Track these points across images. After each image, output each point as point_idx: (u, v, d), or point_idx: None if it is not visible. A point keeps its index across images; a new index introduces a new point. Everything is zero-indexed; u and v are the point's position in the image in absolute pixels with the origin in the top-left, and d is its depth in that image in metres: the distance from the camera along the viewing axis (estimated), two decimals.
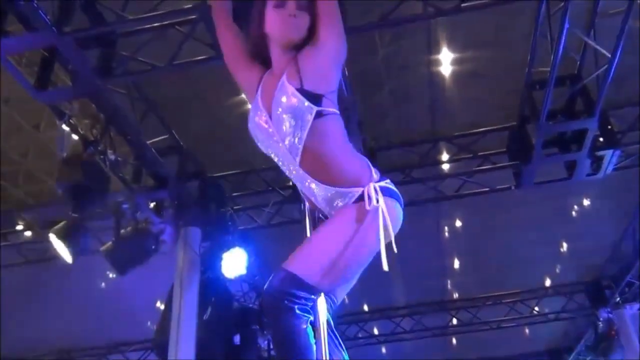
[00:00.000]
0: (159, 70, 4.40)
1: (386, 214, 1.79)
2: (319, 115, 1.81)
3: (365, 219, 1.78)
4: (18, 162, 6.02)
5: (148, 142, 5.28)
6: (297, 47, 1.93)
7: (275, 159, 1.94)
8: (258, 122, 1.90)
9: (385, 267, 1.76)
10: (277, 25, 1.94)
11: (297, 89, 1.82)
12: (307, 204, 2.00)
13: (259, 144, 1.96)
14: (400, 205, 1.90)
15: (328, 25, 1.94)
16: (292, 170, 1.89)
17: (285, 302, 1.65)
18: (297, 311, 1.65)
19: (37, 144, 5.82)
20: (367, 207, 1.78)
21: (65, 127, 4.73)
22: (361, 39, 4.73)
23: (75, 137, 4.82)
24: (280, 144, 1.85)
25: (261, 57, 2.02)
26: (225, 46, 2.11)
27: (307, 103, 1.80)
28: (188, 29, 4.27)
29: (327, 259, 1.73)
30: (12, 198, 6.38)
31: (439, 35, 5.05)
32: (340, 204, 1.85)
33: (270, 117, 1.87)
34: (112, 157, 4.99)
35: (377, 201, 1.79)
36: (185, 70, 4.52)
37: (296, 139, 1.82)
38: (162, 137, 5.52)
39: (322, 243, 1.78)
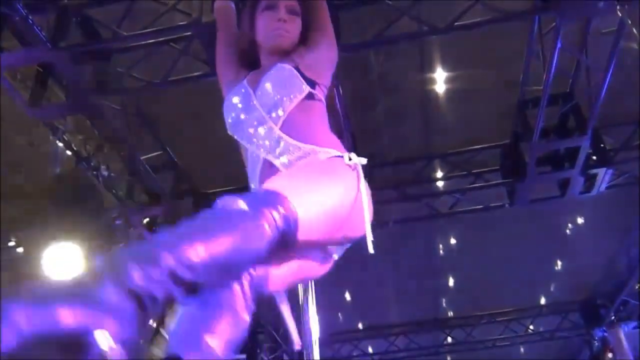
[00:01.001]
0: (153, 86, 4.40)
1: (363, 181, 1.58)
2: (309, 96, 1.77)
3: (343, 172, 1.55)
4: (11, 178, 5.98)
5: (142, 158, 5.27)
6: (288, 51, 1.91)
7: (244, 142, 1.78)
8: (236, 99, 1.82)
9: (370, 248, 1.54)
10: (266, 29, 1.91)
11: (294, 67, 1.80)
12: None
13: (230, 125, 1.83)
14: None
15: (324, 30, 1.95)
16: (261, 141, 1.72)
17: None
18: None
19: (30, 160, 5.80)
20: (347, 162, 1.58)
21: (59, 143, 4.72)
22: (355, 58, 4.77)
23: (68, 153, 4.82)
24: (265, 117, 1.73)
25: (250, 59, 1.98)
26: (222, 47, 2.09)
27: (300, 79, 1.76)
28: (183, 45, 4.29)
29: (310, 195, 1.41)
30: (4, 214, 6.33)
31: (432, 54, 5.10)
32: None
33: (254, 93, 1.80)
34: (106, 173, 4.97)
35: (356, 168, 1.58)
36: (180, 86, 4.53)
37: (280, 109, 1.73)
38: (156, 153, 5.51)
39: (296, 179, 1.48)
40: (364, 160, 1.62)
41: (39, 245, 6.53)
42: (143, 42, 4.29)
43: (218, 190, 6.24)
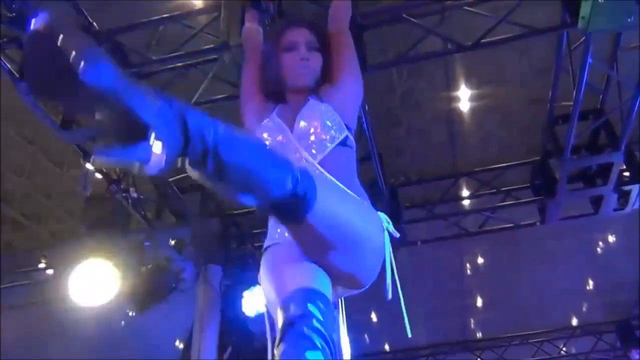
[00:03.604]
0: None
1: None
2: (343, 141, 1.76)
3: (377, 222, 1.73)
4: (41, 201, 6.09)
5: (170, 179, 5.32)
6: (314, 87, 1.90)
7: None
8: (274, 139, 1.80)
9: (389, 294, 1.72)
10: (290, 70, 1.89)
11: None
12: None
13: None
14: None
15: (349, 68, 1.92)
16: None
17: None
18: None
19: (61, 183, 5.89)
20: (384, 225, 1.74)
21: (89, 166, 4.79)
22: (379, 76, 4.76)
23: (98, 175, 4.88)
24: (306, 155, 1.73)
25: (276, 90, 1.95)
26: (249, 73, 2.08)
27: (340, 119, 1.76)
28: (210, 68, 4.34)
29: None
30: (34, 237, 6.43)
31: (456, 71, 5.07)
32: None
33: (292, 131, 1.79)
34: (135, 195, 5.02)
35: None
36: (207, 108, 4.58)
37: (320, 148, 1.72)
38: (183, 175, 5.54)
39: None
40: (396, 233, 1.69)
41: (69, 267, 6.61)
42: (171, 66, 4.35)
43: (244, 211, 6.26)
